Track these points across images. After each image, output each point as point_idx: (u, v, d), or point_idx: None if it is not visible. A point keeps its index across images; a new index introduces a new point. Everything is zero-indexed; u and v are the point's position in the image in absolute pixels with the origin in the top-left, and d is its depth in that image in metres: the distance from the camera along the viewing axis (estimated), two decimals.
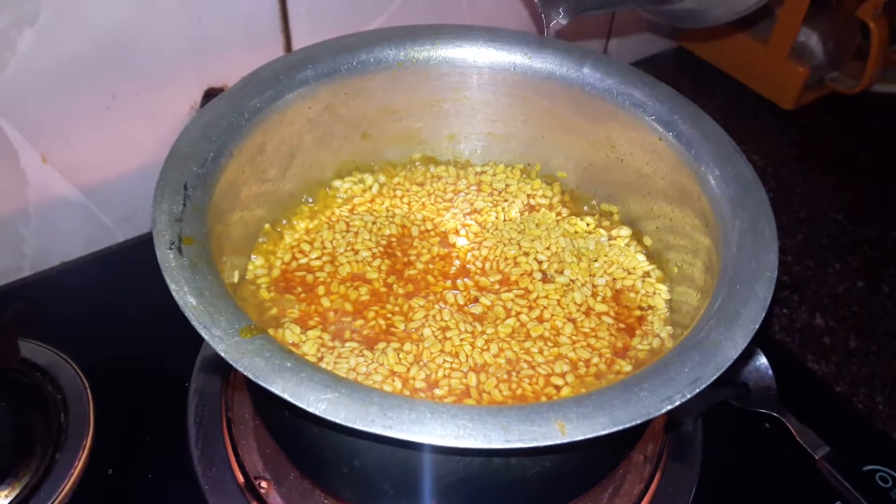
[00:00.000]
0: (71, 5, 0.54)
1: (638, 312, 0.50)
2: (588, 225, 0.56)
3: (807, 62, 0.90)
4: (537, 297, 0.50)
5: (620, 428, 0.32)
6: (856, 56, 0.94)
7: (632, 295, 0.51)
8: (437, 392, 0.44)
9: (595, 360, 0.47)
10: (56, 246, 0.66)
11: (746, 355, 0.58)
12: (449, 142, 0.60)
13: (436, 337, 0.47)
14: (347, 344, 0.46)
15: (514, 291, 0.51)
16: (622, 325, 0.49)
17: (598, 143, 0.55)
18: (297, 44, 0.67)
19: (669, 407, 0.33)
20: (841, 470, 0.52)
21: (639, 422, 0.33)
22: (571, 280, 0.52)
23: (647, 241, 0.54)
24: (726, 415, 0.56)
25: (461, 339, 0.47)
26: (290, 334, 0.46)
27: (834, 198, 0.82)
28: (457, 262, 0.53)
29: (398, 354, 0.45)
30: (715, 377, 0.35)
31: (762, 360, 0.58)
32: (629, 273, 0.53)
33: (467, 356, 0.46)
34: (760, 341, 0.60)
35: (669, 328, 0.49)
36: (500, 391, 0.44)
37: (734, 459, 0.55)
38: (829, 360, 0.66)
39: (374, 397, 0.32)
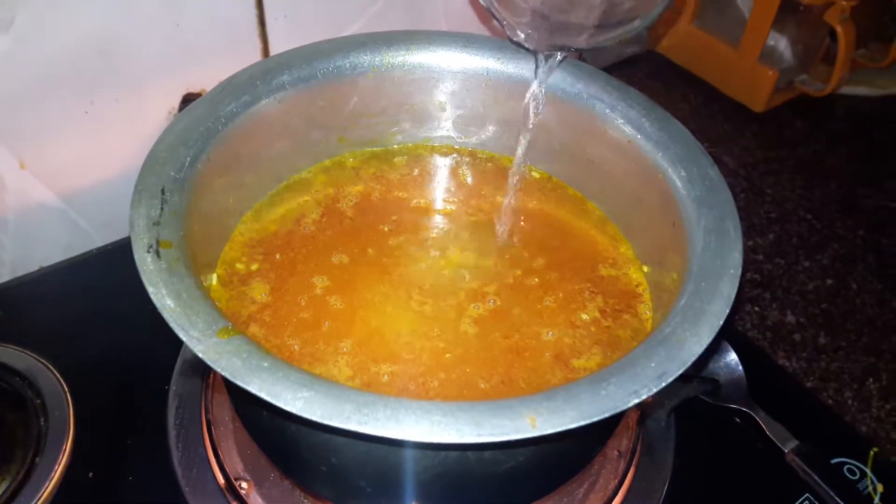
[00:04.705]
0: (47, 11, 0.54)
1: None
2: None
3: (776, 65, 0.92)
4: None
5: (589, 421, 0.33)
6: (824, 59, 0.96)
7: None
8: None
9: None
10: (35, 251, 0.66)
11: (716, 351, 0.59)
12: (424, 144, 0.60)
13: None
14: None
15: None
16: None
17: (570, 145, 0.56)
18: (275, 49, 0.68)
19: (636, 401, 0.34)
20: (809, 462, 0.54)
21: (607, 415, 0.33)
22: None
23: None
24: (698, 410, 0.57)
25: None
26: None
27: (803, 198, 0.84)
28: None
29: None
30: (680, 372, 0.36)
31: (732, 357, 0.59)
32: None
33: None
34: (731, 338, 0.61)
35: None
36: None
37: (706, 453, 0.56)
38: (800, 356, 0.67)
39: (349, 395, 0.33)
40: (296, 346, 0.46)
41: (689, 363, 0.36)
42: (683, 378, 0.36)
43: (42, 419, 0.53)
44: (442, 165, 0.60)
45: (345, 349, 0.46)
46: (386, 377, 0.45)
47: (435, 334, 0.47)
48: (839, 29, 0.87)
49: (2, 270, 0.65)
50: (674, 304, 0.40)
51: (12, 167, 0.60)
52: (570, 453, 0.46)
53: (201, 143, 0.45)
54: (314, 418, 0.32)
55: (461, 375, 0.45)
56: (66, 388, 0.55)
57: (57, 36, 0.56)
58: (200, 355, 0.34)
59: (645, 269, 0.52)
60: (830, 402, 0.64)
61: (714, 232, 0.43)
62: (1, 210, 0.62)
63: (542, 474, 0.45)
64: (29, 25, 0.54)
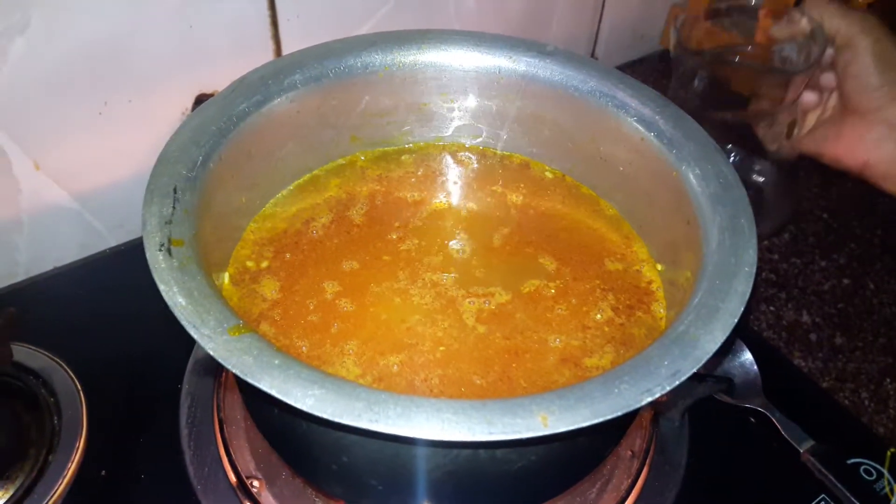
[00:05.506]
0: (61, 14, 0.55)
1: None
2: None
3: None
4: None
5: (602, 420, 0.33)
6: None
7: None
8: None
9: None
10: (49, 252, 0.66)
11: (731, 350, 0.59)
12: (435, 143, 0.60)
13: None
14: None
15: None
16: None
17: (583, 144, 0.55)
18: (287, 49, 0.68)
19: (649, 399, 0.34)
20: (825, 463, 0.53)
21: (619, 414, 0.33)
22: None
23: None
24: (712, 410, 0.57)
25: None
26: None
27: (820, 197, 0.83)
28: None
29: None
30: (694, 370, 0.35)
31: (747, 356, 0.59)
32: None
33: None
34: (746, 338, 0.60)
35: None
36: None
37: (720, 453, 0.56)
38: (816, 356, 0.67)
39: (360, 393, 0.33)
40: (304, 348, 0.46)
41: (703, 361, 0.36)
42: (697, 377, 0.36)
43: (55, 418, 0.54)
44: (453, 164, 0.60)
45: (351, 351, 0.46)
46: (396, 366, 0.45)
47: (443, 334, 0.47)
48: None
49: (16, 270, 0.65)
50: (688, 302, 0.40)
51: (27, 168, 0.60)
52: (582, 453, 0.46)
53: (213, 143, 0.46)
54: (325, 416, 0.32)
55: (461, 373, 0.45)
56: (80, 387, 0.55)
57: (71, 38, 0.56)
58: (212, 353, 0.34)
59: (659, 267, 0.52)
60: (847, 402, 0.63)
61: (728, 230, 0.43)
62: (15, 211, 0.62)
63: (554, 474, 0.45)
64: (44, 28, 0.55)
